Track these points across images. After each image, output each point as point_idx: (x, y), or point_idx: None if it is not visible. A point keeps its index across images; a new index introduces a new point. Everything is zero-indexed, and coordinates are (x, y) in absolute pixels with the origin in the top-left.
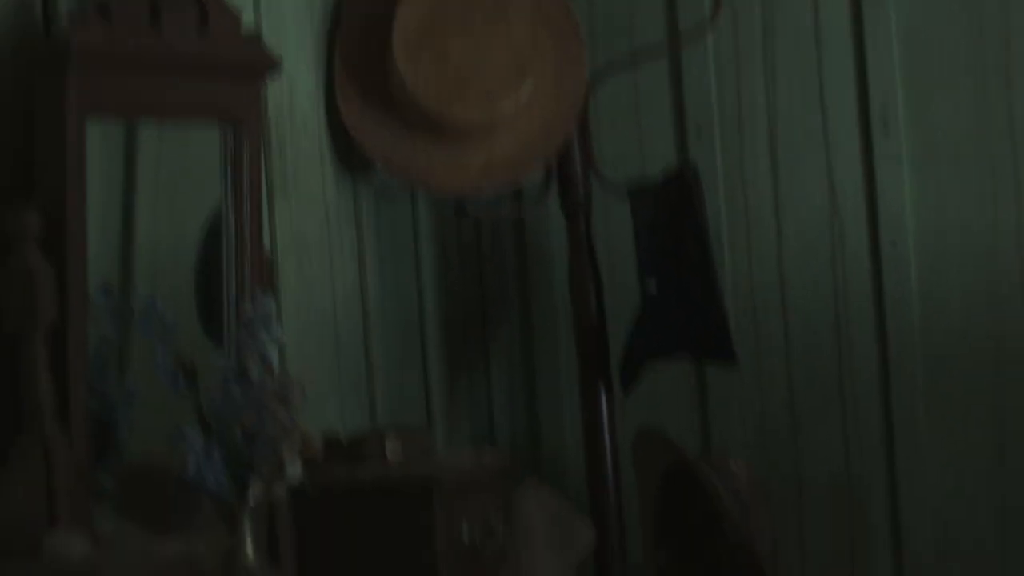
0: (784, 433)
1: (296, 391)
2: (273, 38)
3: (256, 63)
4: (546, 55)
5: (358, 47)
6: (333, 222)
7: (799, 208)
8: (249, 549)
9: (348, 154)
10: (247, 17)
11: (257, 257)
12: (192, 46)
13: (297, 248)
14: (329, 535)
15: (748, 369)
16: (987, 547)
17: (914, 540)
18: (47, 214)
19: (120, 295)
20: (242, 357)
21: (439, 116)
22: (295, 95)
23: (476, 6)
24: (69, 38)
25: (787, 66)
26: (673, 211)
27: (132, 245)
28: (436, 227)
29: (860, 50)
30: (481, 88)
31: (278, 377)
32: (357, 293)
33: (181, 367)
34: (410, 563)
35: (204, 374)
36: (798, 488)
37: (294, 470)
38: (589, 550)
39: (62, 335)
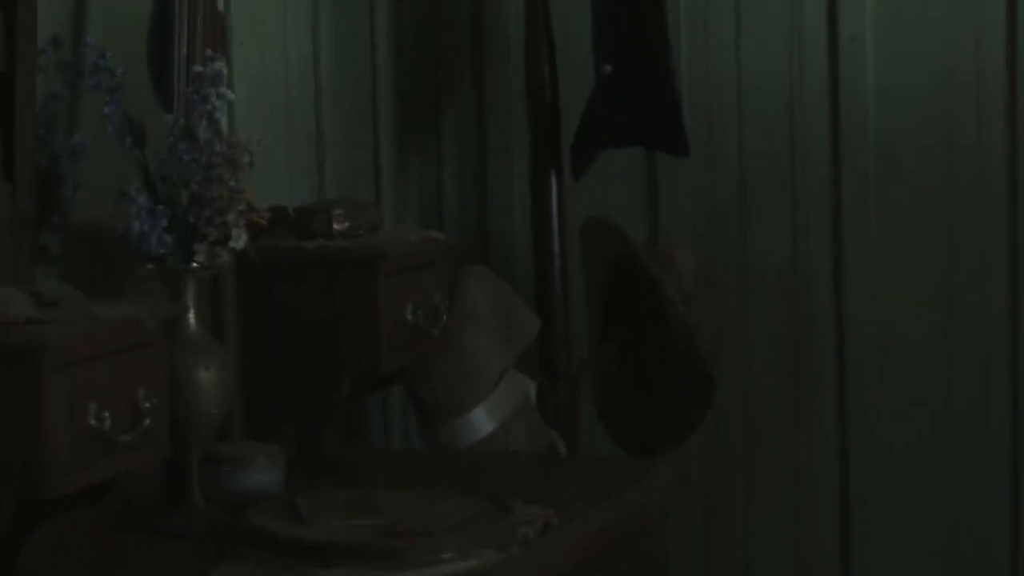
0: (733, 223)
1: (244, 155)
2: None
3: None
4: None
5: None
6: None
7: None
8: (192, 316)
9: None
10: None
11: (209, 14)
12: None
13: (251, 9)
14: (272, 306)
15: (700, 157)
16: (931, 345)
17: (858, 334)
18: None
19: (71, 49)
20: (190, 117)
21: None
22: None
23: None
24: None
25: None
26: None
27: None
28: None
29: None
30: None
31: (227, 139)
32: (310, 60)
33: (130, 125)
34: (353, 337)
35: (153, 137)
36: (745, 278)
37: (240, 238)
38: (533, 338)
39: (9, 86)
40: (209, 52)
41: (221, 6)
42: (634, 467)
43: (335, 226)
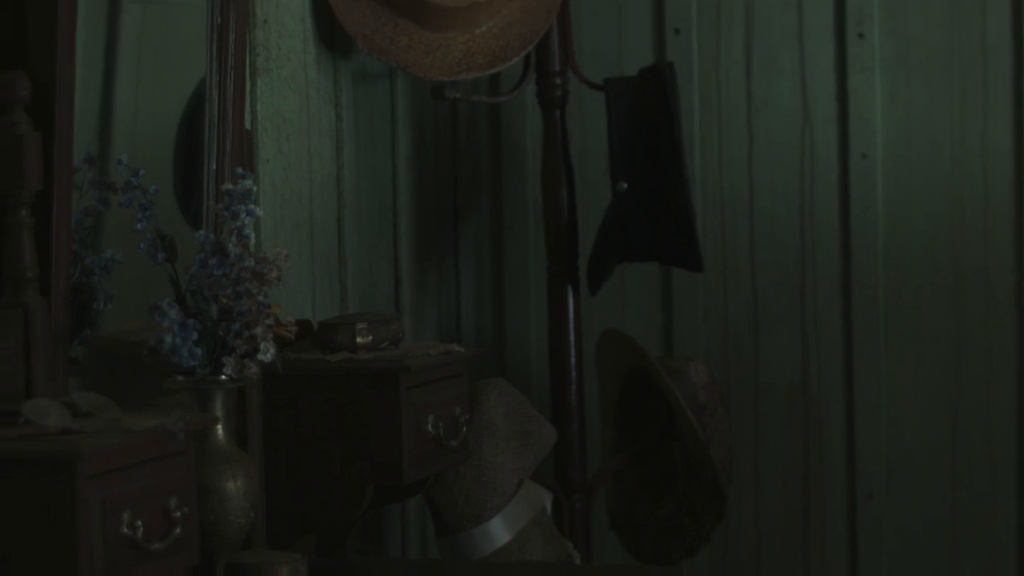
0: (746, 337)
1: (273, 270)
2: None
3: None
4: None
5: None
6: (313, 101)
7: (772, 112)
8: (220, 426)
9: (330, 33)
10: None
11: (238, 133)
12: None
13: (277, 126)
14: (297, 416)
15: (713, 273)
16: (939, 458)
17: (868, 448)
18: (36, 81)
19: (101, 166)
20: (220, 233)
21: None
22: None
23: None
24: None
25: None
26: (648, 108)
27: (111, 116)
28: (413, 112)
29: None
30: None
31: (255, 255)
32: (333, 176)
33: (161, 240)
34: (375, 448)
35: (182, 249)
36: (756, 392)
37: (267, 351)
38: (550, 449)
39: (46, 203)
40: (239, 170)
41: (248, 124)
42: None
43: (359, 339)
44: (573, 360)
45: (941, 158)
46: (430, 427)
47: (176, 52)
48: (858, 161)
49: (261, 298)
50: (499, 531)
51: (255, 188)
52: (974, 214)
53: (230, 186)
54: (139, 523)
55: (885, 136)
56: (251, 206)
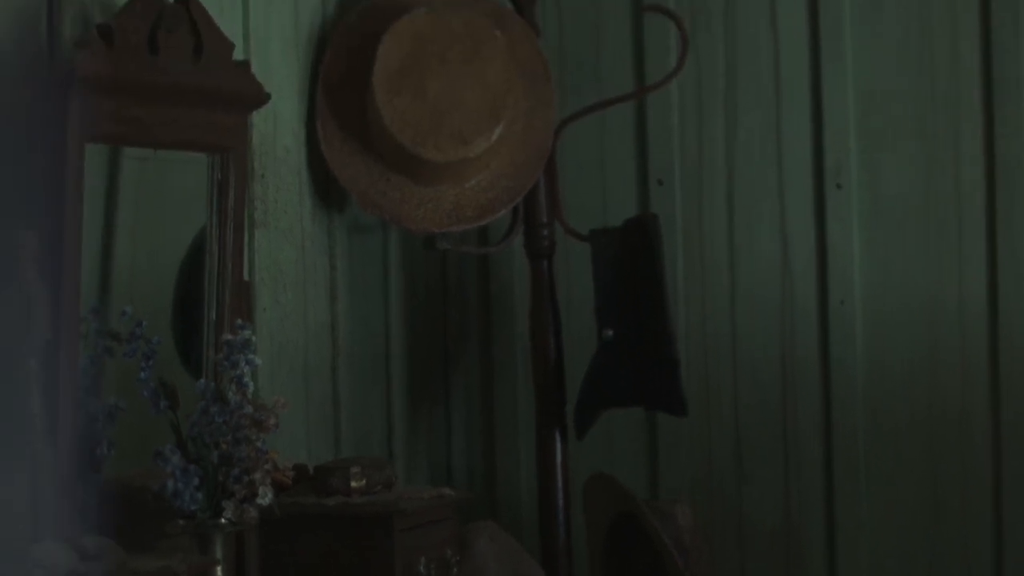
0: (729, 481)
1: (271, 417)
2: (260, 70)
3: (247, 94)
4: (518, 98)
5: (340, 83)
6: (308, 253)
7: (753, 261)
8: (220, 568)
9: (325, 187)
10: (237, 49)
11: (237, 283)
12: (187, 74)
13: (273, 278)
14: (294, 558)
15: (697, 417)
16: None
17: None
18: (44, 236)
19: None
20: (220, 382)
21: (413, 154)
22: (279, 126)
23: (454, 47)
24: (74, 62)
25: (747, 120)
26: (633, 257)
27: (111, 266)
28: (405, 261)
29: (817, 108)
30: (455, 128)
31: (254, 403)
32: (328, 325)
33: (163, 388)
34: None
35: (181, 395)
36: (740, 531)
37: (266, 495)
38: None
39: (54, 353)
40: (239, 321)
41: (246, 274)
42: None
43: (353, 483)
44: (561, 503)
45: (918, 305)
46: (422, 568)
47: (174, 205)
48: (837, 308)
49: (260, 444)
50: None
51: (254, 338)
52: (950, 359)
53: (230, 336)
54: None
55: (863, 283)
56: (250, 356)
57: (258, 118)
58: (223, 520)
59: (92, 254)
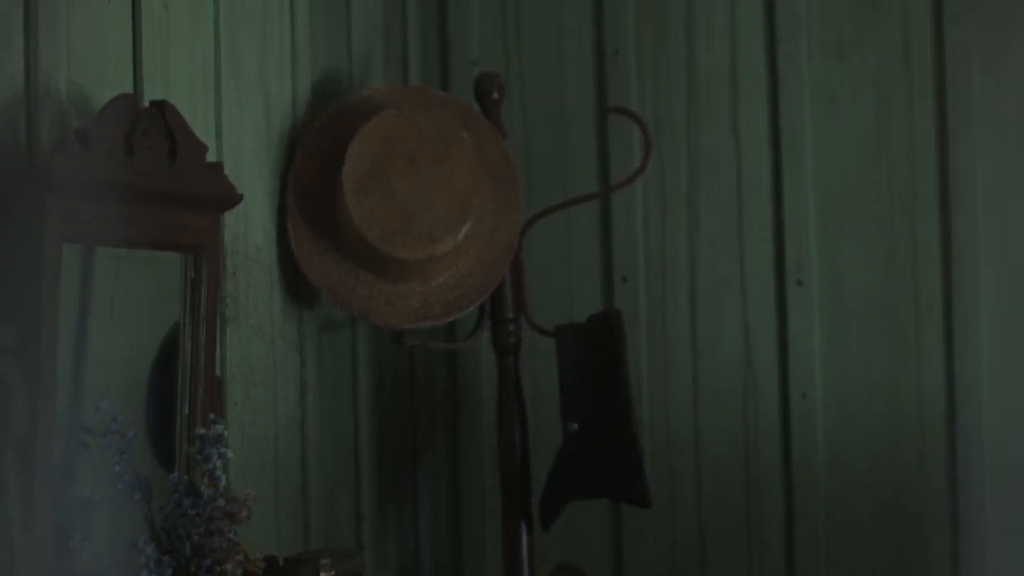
0: (693, 570)
1: (243, 509)
2: (232, 169)
3: (220, 194)
4: (485, 198)
5: (310, 183)
6: (279, 349)
7: (716, 355)
8: None
9: (295, 284)
10: (210, 150)
11: (210, 380)
12: (162, 176)
13: (244, 374)
14: None
15: (661, 508)
16: None
17: None
18: (21, 331)
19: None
20: (193, 475)
21: (382, 252)
22: (250, 225)
23: (423, 149)
24: (51, 164)
25: (709, 219)
26: (597, 354)
27: (85, 362)
28: (374, 356)
29: (778, 206)
30: (423, 228)
31: (226, 495)
32: (298, 419)
33: (138, 482)
34: None
35: (153, 487)
36: None
37: None
38: None
39: (31, 447)
40: (212, 416)
41: (218, 370)
42: None
43: (322, 574)
44: None
45: (878, 397)
46: None
47: (148, 302)
48: (799, 402)
49: (231, 536)
50: None
51: (226, 432)
52: (909, 450)
53: (203, 431)
54: None
55: (824, 377)
56: (222, 449)
57: (230, 218)
58: None
59: (67, 349)
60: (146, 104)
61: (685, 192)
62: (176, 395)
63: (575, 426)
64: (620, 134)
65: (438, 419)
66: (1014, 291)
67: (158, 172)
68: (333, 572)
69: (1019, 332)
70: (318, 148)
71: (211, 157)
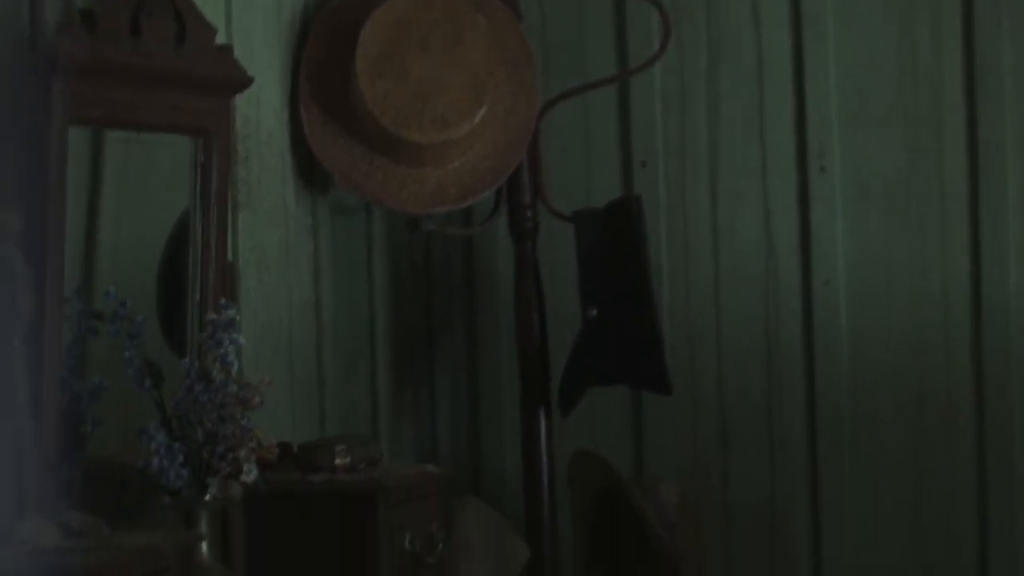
0: (714, 458)
1: (255, 395)
2: (243, 53)
3: (229, 77)
4: (500, 81)
5: (322, 66)
6: (292, 234)
7: (736, 241)
8: (205, 544)
9: (309, 169)
10: (219, 33)
11: (221, 265)
12: (170, 58)
13: (257, 258)
14: (279, 536)
15: (682, 395)
16: (904, 572)
17: (835, 564)
18: (29, 217)
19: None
20: (205, 361)
21: (396, 136)
22: (261, 109)
23: (436, 31)
24: (56, 46)
25: (730, 101)
26: (616, 239)
27: (95, 248)
28: (389, 242)
29: (799, 90)
30: (437, 111)
31: (238, 381)
32: (312, 305)
33: (148, 367)
34: (355, 566)
35: (166, 374)
36: (726, 512)
37: (250, 472)
38: (523, 566)
39: (39, 332)
40: (223, 300)
41: (230, 255)
42: None
43: (338, 461)
44: (546, 480)
45: (901, 286)
46: (408, 545)
47: (158, 187)
48: (821, 288)
49: (244, 422)
50: None
51: (238, 317)
52: (933, 339)
53: (214, 316)
54: None
55: (847, 264)
56: (234, 335)
57: (241, 101)
58: (208, 497)
59: (76, 235)
60: None
61: (705, 76)
62: (187, 281)
63: (594, 312)
64: (638, 17)
65: (455, 305)
66: None
67: (165, 54)
68: (348, 458)
69: None
70: (330, 31)
71: (220, 40)
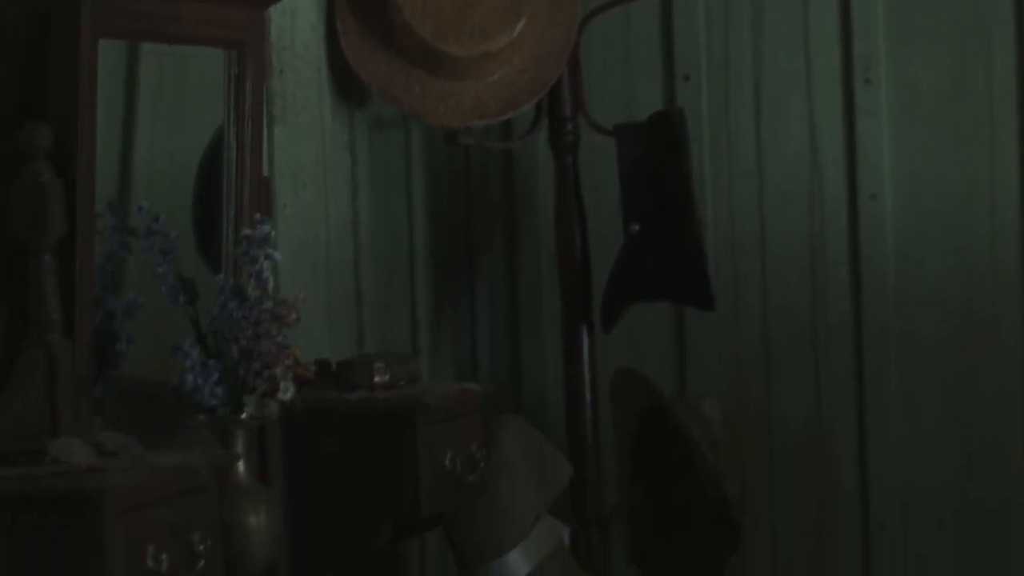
0: (758, 375)
1: (291, 312)
2: None
3: None
4: None
5: None
6: (329, 149)
7: (781, 156)
8: (241, 463)
9: (346, 83)
10: None
11: (256, 180)
12: None
13: (293, 173)
14: (317, 454)
15: (725, 312)
16: (951, 491)
17: (881, 481)
18: (59, 131)
19: (121, 212)
20: (240, 277)
21: (434, 49)
22: (296, 21)
23: None
24: None
25: (774, 13)
26: (658, 153)
27: (131, 163)
28: (428, 157)
29: (845, 2)
30: (476, 23)
31: (274, 297)
32: (349, 221)
33: (182, 283)
34: (393, 484)
35: (201, 291)
36: (769, 429)
37: (287, 390)
38: (566, 484)
39: (70, 249)
40: (257, 216)
41: (266, 170)
42: None
43: (376, 378)
44: (588, 398)
45: (949, 199)
46: (447, 463)
47: (194, 100)
48: (867, 203)
49: (280, 339)
50: (518, 564)
51: (273, 233)
52: (981, 253)
53: (249, 231)
54: (163, 557)
55: (893, 178)
56: (269, 250)
57: (275, 13)
58: (244, 415)
59: (112, 150)
60: None
61: None
62: (222, 196)
63: (636, 227)
64: None
65: (495, 221)
66: None
67: None
68: (387, 375)
69: None
70: None
71: None
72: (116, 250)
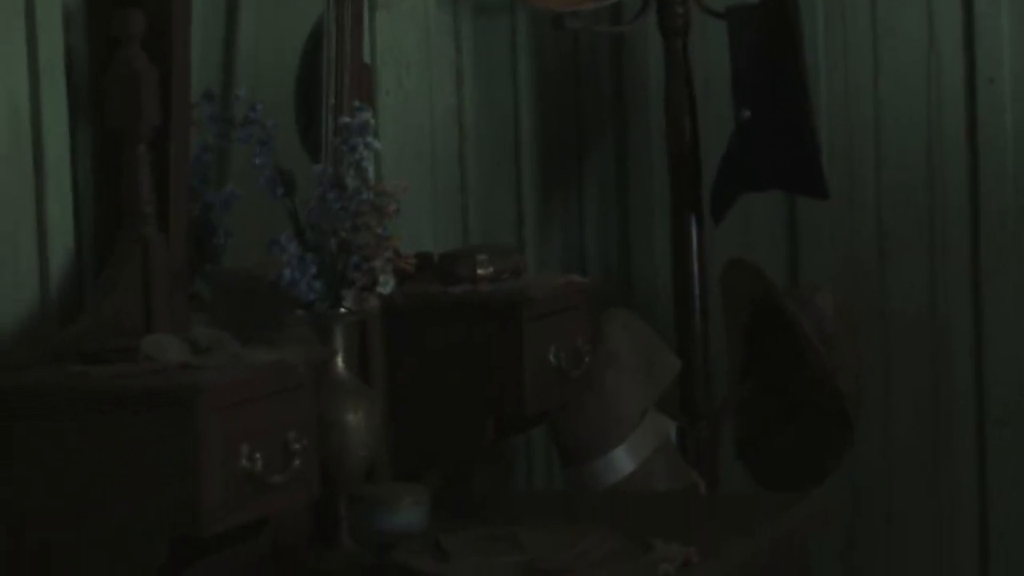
0: (872, 266)
1: (391, 203)
2: None
3: None
4: None
5: None
6: (432, 35)
7: (896, 38)
8: (340, 360)
9: None
10: None
11: (356, 66)
12: None
13: (396, 61)
14: (418, 350)
15: (839, 200)
16: None
17: (998, 374)
18: (153, 17)
19: (221, 101)
20: (339, 167)
21: None
22: None
23: None
24: None
25: None
26: (771, 35)
27: (233, 52)
28: (534, 42)
29: None
30: None
31: (374, 188)
32: (454, 109)
33: (280, 175)
34: (497, 380)
35: (301, 185)
36: (884, 320)
37: (387, 283)
38: (674, 379)
39: (164, 139)
40: (356, 103)
41: (367, 58)
42: (773, 505)
43: (480, 271)
44: (697, 290)
45: None
46: (552, 358)
47: None
48: (985, 86)
49: (380, 231)
50: (624, 461)
51: (374, 121)
52: None
53: (348, 119)
54: (258, 456)
55: (1012, 60)
56: (369, 139)
57: None
58: (342, 309)
59: (215, 38)
60: None
61: None
62: (322, 84)
63: (747, 113)
64: None
65: (603, 108)
66: None
67: None
68: (491, 268)
69: None
70: None
71: None
72: (213, 140)
